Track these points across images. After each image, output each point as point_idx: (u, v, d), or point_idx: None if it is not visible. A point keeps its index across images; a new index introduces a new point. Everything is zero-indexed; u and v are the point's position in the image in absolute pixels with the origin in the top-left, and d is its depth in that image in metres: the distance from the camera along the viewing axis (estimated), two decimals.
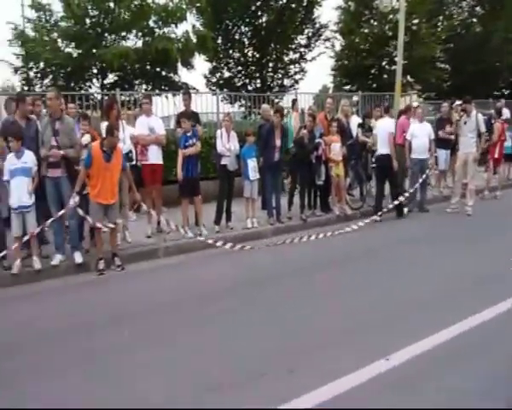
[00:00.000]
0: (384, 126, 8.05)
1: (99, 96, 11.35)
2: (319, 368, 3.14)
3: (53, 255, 5.58)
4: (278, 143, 7.29)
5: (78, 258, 5.57)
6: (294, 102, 9.73)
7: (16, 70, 12.75)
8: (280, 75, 19.10)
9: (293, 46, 18.85)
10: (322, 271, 5.33)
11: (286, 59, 18.97)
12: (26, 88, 12.48)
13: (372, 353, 3.28)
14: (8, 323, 4.25)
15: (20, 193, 5.29)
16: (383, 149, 7.92)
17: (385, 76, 18.20)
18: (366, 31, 18.78)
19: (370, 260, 5.74)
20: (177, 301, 4.56)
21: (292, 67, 19.15)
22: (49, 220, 5.46)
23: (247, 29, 18.43)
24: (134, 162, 6.61)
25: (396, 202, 7.85)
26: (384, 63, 18.97)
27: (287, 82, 19.26)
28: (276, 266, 5.67)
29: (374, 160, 8.39)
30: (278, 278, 5.13)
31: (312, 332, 3.73)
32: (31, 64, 12.70)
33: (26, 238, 5.33)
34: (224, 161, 6.98)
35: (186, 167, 6.51)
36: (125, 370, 3.27)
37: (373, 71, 19.10)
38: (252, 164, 7.09)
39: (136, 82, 14.01)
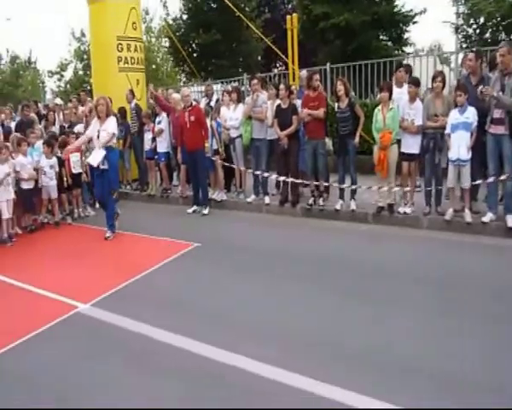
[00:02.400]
0: None
1: None
2: None
3: (484, 213, 5.51)
4: None
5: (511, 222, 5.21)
6: None
7: (457, 29, 12.88)
8: None
9: None
10: None
11: None
12: (464, 46, 12.45)
13: None
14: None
15: (460, 146, 5.42)
16: None
17: None
18: None
19: None
20: None
21: None
22: (491, 179, 5.26)
23: None
24: None
25: None
26: None
27: None
28: None
29: None
30: None
31: None
32: (471, 21, 12.45)
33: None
34: None
35: None
36: None
37: None
38: None
39: None
